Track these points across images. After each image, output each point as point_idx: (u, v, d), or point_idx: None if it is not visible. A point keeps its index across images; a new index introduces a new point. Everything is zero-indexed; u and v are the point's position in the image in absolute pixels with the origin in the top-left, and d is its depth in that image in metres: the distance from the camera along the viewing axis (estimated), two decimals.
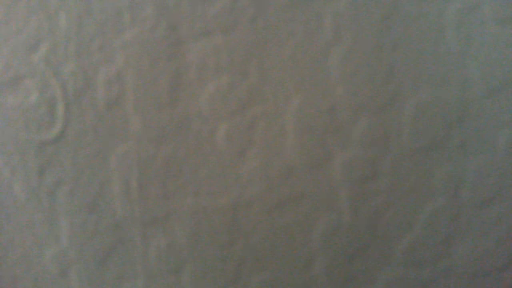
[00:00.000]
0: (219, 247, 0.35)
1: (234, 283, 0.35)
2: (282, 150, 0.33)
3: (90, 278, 0.36)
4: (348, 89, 0.32)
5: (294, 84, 0.32)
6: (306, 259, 0.34)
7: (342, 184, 0.33)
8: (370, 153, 0.33)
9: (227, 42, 0.32)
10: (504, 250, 0.35)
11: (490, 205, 0.34)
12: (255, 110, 0.33)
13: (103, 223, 0.35)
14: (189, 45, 0.32)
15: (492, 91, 0.32)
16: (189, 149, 0.33)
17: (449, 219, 0.34)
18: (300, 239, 0.34)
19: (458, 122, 0.33)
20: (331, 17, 0.31)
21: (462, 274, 0.35)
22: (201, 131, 0.33)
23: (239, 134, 0.33)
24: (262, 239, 0.34)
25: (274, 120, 0.33)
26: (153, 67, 0.31)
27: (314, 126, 0.33)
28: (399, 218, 0.34)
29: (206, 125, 0.33)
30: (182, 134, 0.33)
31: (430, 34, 0.32)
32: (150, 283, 0.36)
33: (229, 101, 0.33)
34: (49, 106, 0.32)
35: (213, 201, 0.34)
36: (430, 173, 0.33)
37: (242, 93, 0.32)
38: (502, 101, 0.32)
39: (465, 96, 0.32)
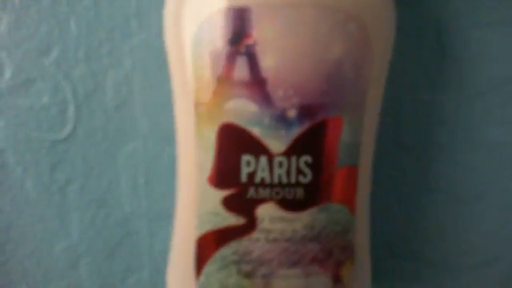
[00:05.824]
0: None
1: None
2: None
3: (99, 270, 0.36)
4: None
5: None
6: None
7: None
8: None
9: None
10: (491, 245, 0.35)
11: (477, 201, 0.34)
12: None
13: (111, 218, 0.35)
14: None
15: (481, 92, 0.32)
16: None
17: (441, 214, 0.35)
18: None
19: (447, 121, 0.33)
20: None
21: (448, 269, 0.36)
22: None
23: None
24: None
25: None
26: (159, 71, 0.32)
27: None
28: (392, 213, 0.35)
29: None
30: None
31: (428, 33, 0.32)
32: (155, 275, 0.36)
33: None
34: (60, 108, 0.32)
35: None
36: (425, 170, 0.34)
37: None
38: (489, 101, 0.32)
39: (458, 96, 0.33)
